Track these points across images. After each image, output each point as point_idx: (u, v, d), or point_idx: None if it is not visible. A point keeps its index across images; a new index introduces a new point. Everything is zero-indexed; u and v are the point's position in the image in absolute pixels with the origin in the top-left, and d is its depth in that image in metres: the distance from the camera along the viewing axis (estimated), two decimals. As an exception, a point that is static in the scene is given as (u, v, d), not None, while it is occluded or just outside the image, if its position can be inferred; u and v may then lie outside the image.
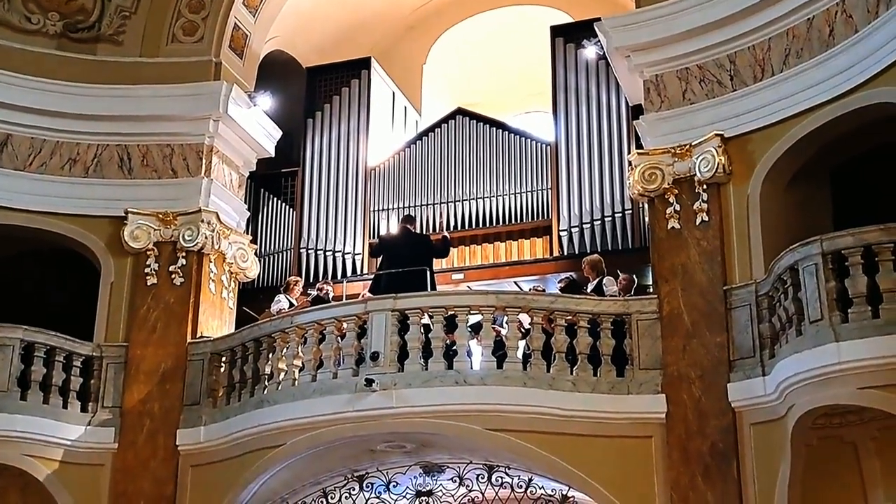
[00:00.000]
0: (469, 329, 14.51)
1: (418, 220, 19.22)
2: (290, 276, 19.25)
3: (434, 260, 16.57)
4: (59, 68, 17.45)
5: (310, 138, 21.01)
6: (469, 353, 14.57)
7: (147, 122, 17.44)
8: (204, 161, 17.48)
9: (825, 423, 12.78)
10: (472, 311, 14.55)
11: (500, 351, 14.37)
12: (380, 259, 16.86)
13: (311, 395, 14.51)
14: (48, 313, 16.51)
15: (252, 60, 18.89)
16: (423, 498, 15.29)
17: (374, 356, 14.28)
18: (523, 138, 19.89)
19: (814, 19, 14.12)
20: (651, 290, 15.35)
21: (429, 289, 15.51)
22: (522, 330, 14.58)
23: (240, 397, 15.53)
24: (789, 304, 12.75)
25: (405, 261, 15.76)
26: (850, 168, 14.65)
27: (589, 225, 18.46)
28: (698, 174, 14.59)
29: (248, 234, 18.49)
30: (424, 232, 18.75)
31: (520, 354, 14.37)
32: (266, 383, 15.19)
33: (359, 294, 16.64)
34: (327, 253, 20.06)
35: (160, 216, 16.94)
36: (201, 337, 16.54)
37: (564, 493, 14.59)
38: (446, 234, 17.48)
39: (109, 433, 15.97)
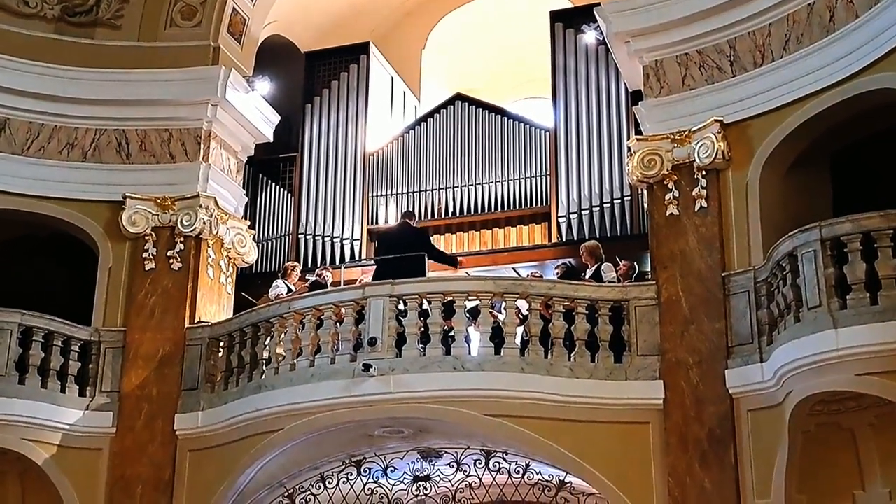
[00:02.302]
0: (467, 315, 14.49)
1: (416, 205, 19.27)
2: (288, 261, 19.22)
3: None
4: (56, 52, 17.40)
5: (308, 123, 21.01)
6: (467, 339, 14.58)
7: (145, 106, 17.42)
8: (202, 146, 17.46)
9: (823, 410, 12.77)
10: (470, 297, 14.55)
11: (498, 337, 14.35)
12: (377, 253, 16.88)
13: (308, 380, 14.50)
14: (46, 298, 16.49)
15: (250, 45, 18.84)
16: (420, 483, 15.27)
17: (372, 342, 14.27)
18: (522, 124, 19.89)
19: (814, 4, 14.09)
20: (649, 276, 15.32)
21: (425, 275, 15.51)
22: (520, 316, 14.56)
23: (238, 382, 15.52)
24: (788, 290, 12.74)
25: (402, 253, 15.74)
26: (850, 154, 14.62)
27: (588, 211, 18.45)
28: (697, 160, 14.57)
29: (246, 219, 18.48)
30: (424, 218, 18.82)
31: (518, 340, 14.36)
32: (264, 368, 15.19)
33: (357, 279, 16.64)
34: (325, 238, 20.07)
35: (158, 201, 16.91)
36: (199, 322, 16.53)
37: (562, 478, 14.59)
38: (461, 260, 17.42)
39: (107, 417, 15.96)
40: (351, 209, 20.24)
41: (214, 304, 17.09)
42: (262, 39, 19.40)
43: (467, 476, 15.01)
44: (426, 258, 15.65)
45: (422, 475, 15.29)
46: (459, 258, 17.16)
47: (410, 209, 18.78)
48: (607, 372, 14.12)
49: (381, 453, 15.26)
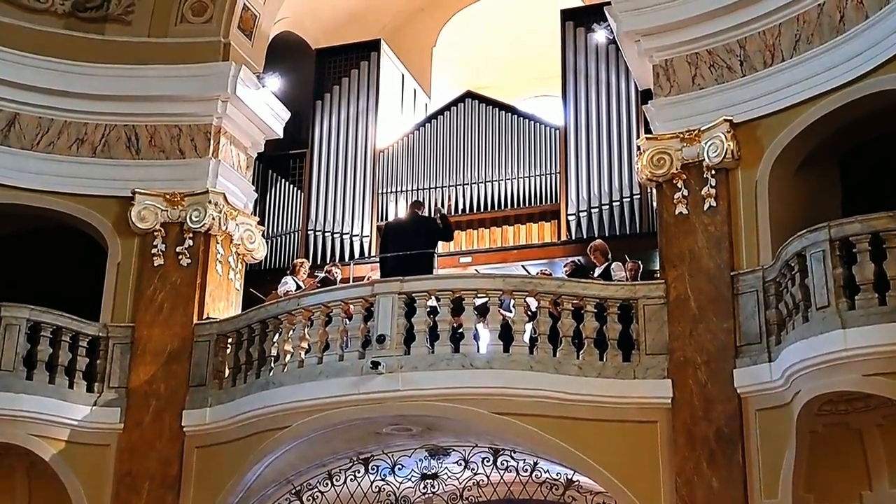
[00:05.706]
0: (475, 312, 14.48)
1: (426, 202, 19.25)
2: (297, 257, 19.25)
3: (439, 243, 16.58)
4: (67, 48, 17.43)
5: (318, 120, 21.03)
6: (476, 337, 14.57)
7: (155, 102, 17.43)
8: (212, 142, 17.46)
9: (831, 410, 12.75)
10: (479, 295, 14.53)
11: (506, 335, 14.33)
12: (383, 242, 16.85)
13: (317, 377, 14.50)
14: (54, 293, 16.49)
15: (261, 41, 18.83)
16: (428, 481, 15.28)
17: (381, 339, 14.27)
18: (532, 122, 19.89)
19: (824, 5, 14.07)
20: (658, 275, 15.31)
21: (433, 272, 15.50)
22: (529, 312, 14.55)
23: (245, 379, 15.53)
24: (796, 290, 12.72)
25: (410, 244, 15.71)
26: (859, 154, 14.59)
27: (597, 209, 18.45)
28: (707, 159, 14.56)
29: (255, 215, 18.49)
30: (432, 215, 18.80)
31: (526, 338, 14.35)
32: (272, 365, 15.18)
33: (366, 276, 16.64)
34: (335, 235, 20.08)
35: (167, 197, 16.93)
36: (208, 318, 16.53)
37: (569, 477, 14.58)
38: (442, 211, 17.44)
39: (115, 413, 15.98)
40: (360, 206, 20.26)
41: (223, 300, 17.10)
42: (272, 36, 19.42)
43: (475, 474, 15.04)
44: (435, 256, 15.66)
45: (429, 473, 15.30)
46: (468, 256, 17.21)
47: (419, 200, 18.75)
48: (616, 370, 14.11)
49: (389, 451, 15.26)
